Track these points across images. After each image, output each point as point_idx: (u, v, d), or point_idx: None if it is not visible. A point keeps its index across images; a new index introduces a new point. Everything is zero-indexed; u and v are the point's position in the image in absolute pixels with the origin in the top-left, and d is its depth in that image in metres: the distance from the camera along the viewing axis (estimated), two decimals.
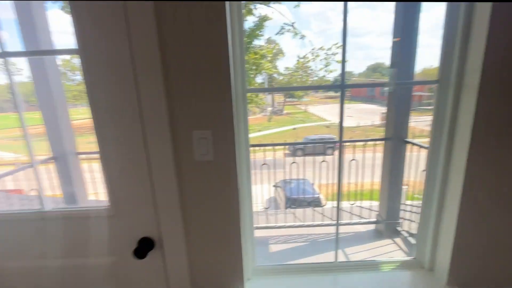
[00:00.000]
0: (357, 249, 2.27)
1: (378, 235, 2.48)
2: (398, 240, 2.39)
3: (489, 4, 0.78)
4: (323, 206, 3.87)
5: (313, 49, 7.58)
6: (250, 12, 5.45)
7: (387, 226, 2.43)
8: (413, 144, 2.22)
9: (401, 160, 2.30)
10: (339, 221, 2.37)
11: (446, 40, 0.91)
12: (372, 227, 2.59)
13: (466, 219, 0.95)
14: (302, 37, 6.34)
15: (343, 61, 0.98)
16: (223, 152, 0.86)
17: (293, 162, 2.97)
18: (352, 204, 2.64)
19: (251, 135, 0.99)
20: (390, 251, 2.23)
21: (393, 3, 2.08)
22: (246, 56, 0.96)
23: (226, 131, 0.84)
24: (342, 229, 2.56)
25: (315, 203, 4.10)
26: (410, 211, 2.51)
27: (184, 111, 0.82)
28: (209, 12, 0.75)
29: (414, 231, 2.35)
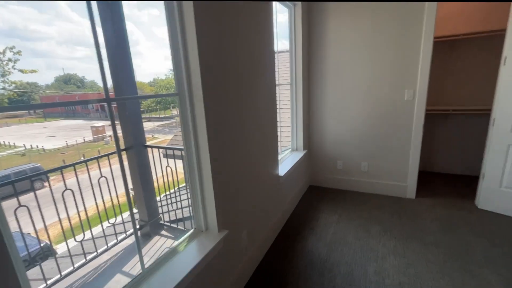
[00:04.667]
0: (135, 262, 2.26)
1: (146, 238, 2.62)
2: (163, 232, 2.70)
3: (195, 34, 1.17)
4: (56, 254, 2.81)
5: None
6: None
7: (151, 225, 2.63)
8: (153, 147, 2.55)
9: (147, 163, 2.56)
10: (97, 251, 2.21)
11: (175, 62, 1.24)
12: (138, 234, 2.65)
13: (218, 194, 1.43)
14: None
15: (102, 71, 0.95)
16: None
17: None
18: (113, 223, 2.50)
19: None
20: (162, 244, 2.49)
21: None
22: None
23: None
24: (110, 253, 2.36)
25: (45, 254, 3.01)
26: (166, 202, 2.90)
27: None
28: None
29: (172, 217, 2.78)
